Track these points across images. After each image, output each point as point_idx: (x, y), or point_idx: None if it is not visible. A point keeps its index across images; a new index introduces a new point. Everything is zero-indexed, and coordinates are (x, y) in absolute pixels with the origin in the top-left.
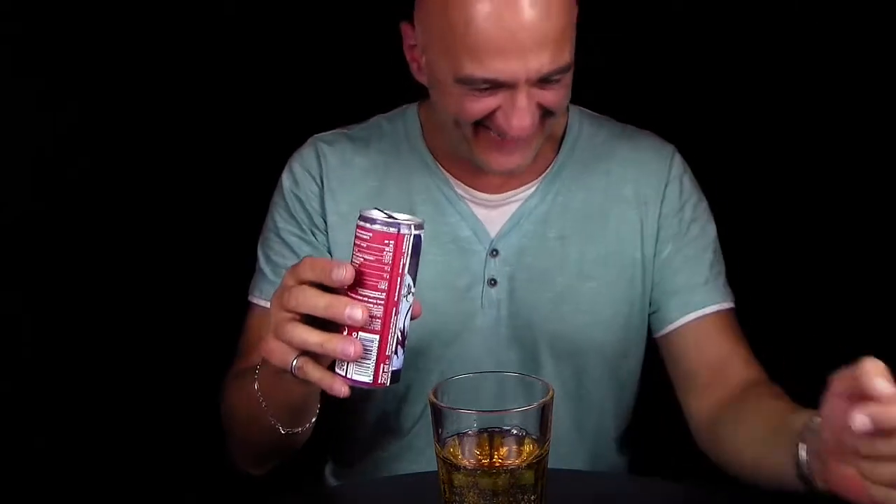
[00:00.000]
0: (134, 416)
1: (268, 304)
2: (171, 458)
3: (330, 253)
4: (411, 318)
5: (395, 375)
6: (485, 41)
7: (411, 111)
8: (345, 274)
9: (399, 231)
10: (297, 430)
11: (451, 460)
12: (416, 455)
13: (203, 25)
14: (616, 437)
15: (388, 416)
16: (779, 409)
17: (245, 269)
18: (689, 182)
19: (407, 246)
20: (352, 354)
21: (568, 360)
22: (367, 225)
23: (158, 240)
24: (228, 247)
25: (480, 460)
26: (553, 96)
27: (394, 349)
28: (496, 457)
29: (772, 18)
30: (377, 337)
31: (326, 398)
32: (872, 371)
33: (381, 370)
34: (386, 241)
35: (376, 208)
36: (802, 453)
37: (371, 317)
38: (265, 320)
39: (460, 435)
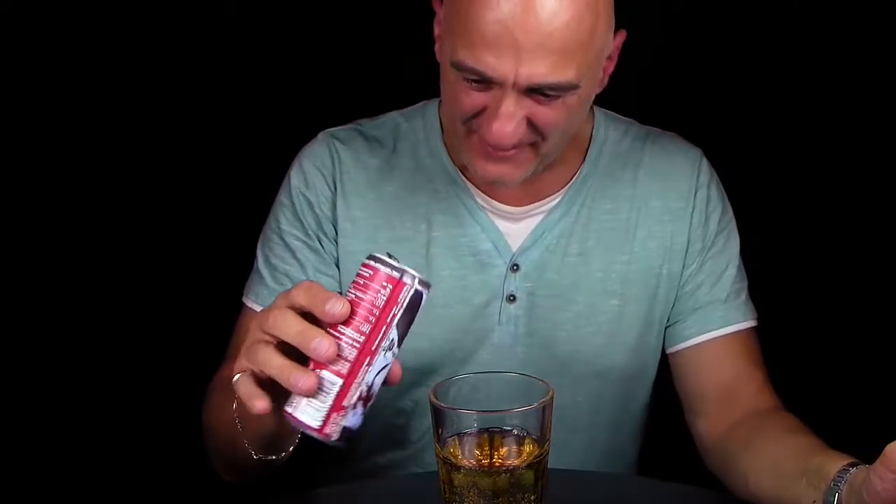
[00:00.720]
0: (132, 417)
1: (260, 309)
2: (169, 459)
3: (337, 265)
4: (385, 382)
5: (346, 432)
6: (481, 31)
7: (431, 110)
8: (340, 308)
9: (401, 278)
10: (270, 458)
11: (451, 460)
12: (422, 467)
13: (203, 25)
14: (633, 456)
15: (395, 429)
16: (805, 445)
17: (244, 268)
18: (715, 189)
19: (404, 296)
20: (300, 386)
21: (584, 382)
22: (372, 263)
23: (158, 239)
24: (227, 245)
25: (480, 460)
26: (547, 114)
27: (353, 402)
28: (496, 457)
29: (800, 22)
30: (340, 381)
31: None
32: None
33: (331, 419)
34: (384, 284)
35: (388, 253)
36: None
37: (340, 357)
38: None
39: (460, 435)
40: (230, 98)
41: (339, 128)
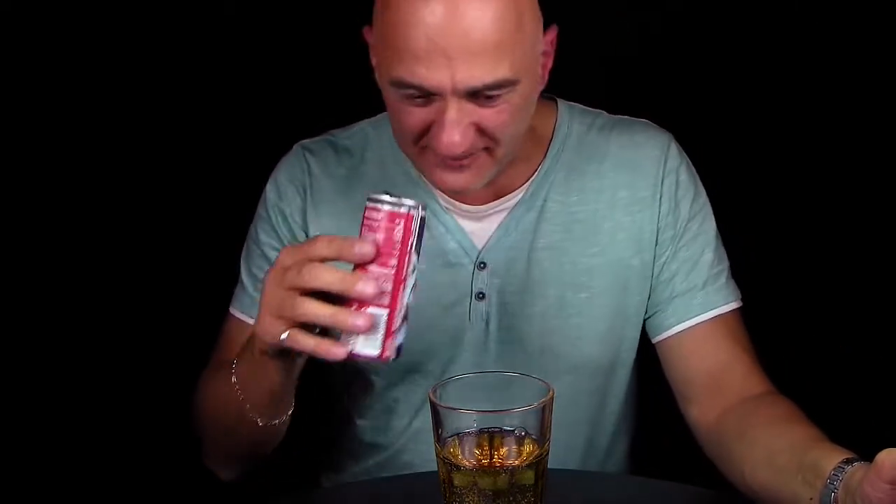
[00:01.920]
0: (131, 418)
1: (246, 318)
2: (169, 460)
3: None
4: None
5: (399, 350)
6: (411, 46)
7: None
8: (369, 249)
9: (409, 211)
10: (274, 423)
11: (451, 460)
12: (401, 469)
13: (203, 25)
14: (621, 454)
15: (377, 429)
16: (800, 437)
17: (233, 273)
18: (685, 174)
19: (415, 225)
20: (361, 326)
21: (558, 377)
22: (379, 206)
23: (155, 241)
24: (217, 249)
25: (480, 460)
26: (493, 117)
27: (399, 324)
28: (496, 457)
29: (787, 14)
30: (386, 311)
31: (319, 407)
32: None
33: (387, 344)
34: (396, 221)
35: (384, 192)
36: None
37: (381, 292)
38: (240, 333)
39: (460, 435)
40: (229, 99)
41: (311, 140)
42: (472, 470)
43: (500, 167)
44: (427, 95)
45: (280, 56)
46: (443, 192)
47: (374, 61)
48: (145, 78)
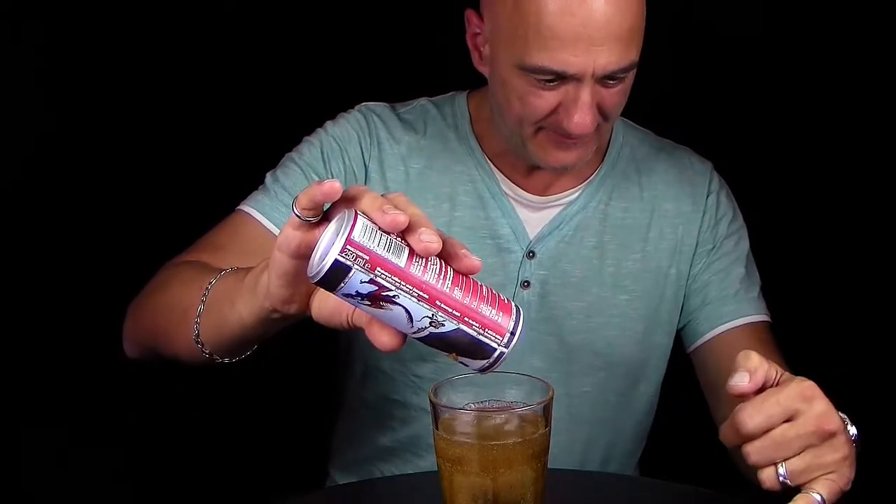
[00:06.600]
0: (130, 417)
1: (261, 218)
2: (171, 459)
3: None
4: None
5: (332, 278)
6: (556, 33)
7: (460, 99)
8: (402, 218)
9: (505, 340)
10: (207, 353)
11: (451, 459)
12: (423, 450)
13: (202, 21)
14: (632, 464)
15: (397, 405)
16: None
17: None
18: (726, 198)
19: (486, 337)
20: (423, 241)
21: (593, 373)
22: (514, 303)
23: (156, 239)
24: None
25: (480, 458)
26: (612, 98)
27: (374, 274)
28: (497, 456)
29: (804, 32)
30: (402, 264)
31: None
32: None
33: (347, 255)
34: (500, 320)
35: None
36: None
37: (424, 262)
38: (249, 229)
39: (460, 434)
40: (229, 96)
41: (375, 103)
42: (471, 469)
43: (597, 145)
44: (561, 79)
45: (279, 53)
46: (552, 169)
47: (484, 49)
48: (144, 74)
